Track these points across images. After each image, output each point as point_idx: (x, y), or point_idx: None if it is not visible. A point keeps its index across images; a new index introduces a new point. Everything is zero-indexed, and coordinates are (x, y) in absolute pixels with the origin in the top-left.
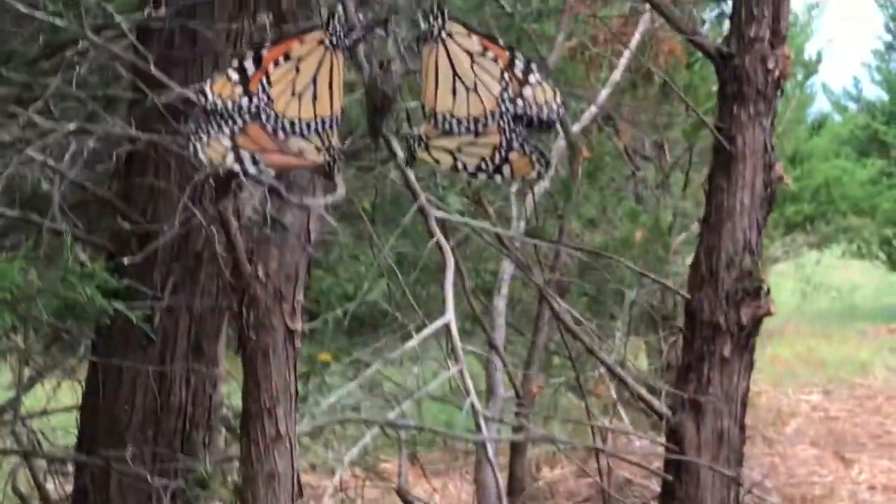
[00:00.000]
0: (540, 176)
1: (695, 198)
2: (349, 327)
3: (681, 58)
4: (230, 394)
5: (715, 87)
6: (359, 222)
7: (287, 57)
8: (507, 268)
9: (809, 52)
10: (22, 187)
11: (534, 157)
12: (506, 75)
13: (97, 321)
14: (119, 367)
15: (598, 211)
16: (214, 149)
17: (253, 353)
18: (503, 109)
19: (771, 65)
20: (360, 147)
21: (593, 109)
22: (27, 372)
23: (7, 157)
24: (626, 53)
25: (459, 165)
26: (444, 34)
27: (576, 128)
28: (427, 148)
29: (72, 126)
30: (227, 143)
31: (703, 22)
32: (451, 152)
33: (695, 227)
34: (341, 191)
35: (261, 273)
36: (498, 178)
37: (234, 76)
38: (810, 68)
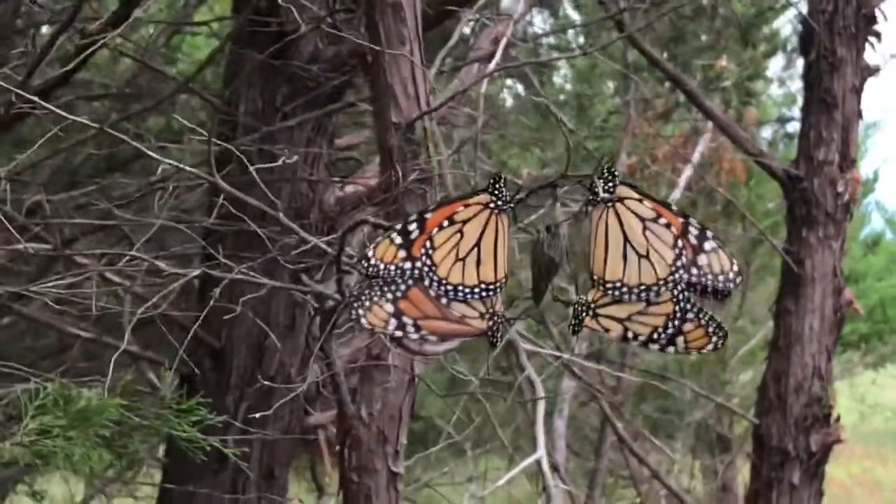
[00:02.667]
0: (716, 348)
1: (750, 315)
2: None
3: (740, 176)
4: None
5: (771, 205)
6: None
7: (451, 220)
8: (568, 387)
9: (865, 171)
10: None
11: (710, 329)
12: (680, 242)
13: (168, 443)
14: (191, 493)
15: None
16: (377, 315)
17: (355, 497)
18: (677, 278)
19: (840, 188)
20: (521, 314)
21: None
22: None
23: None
24: (687, 171)
25: (630, 335)
26: (615, 198)
27: None
28: (595, 315)
29: (196, 272)
30: (389, 308)
31: (766, 141)
32: (620, 321)
33: (752, 345)
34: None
35: (364, 413)
36: (671, 349)
37: (398, 239)
38: (866, 188)
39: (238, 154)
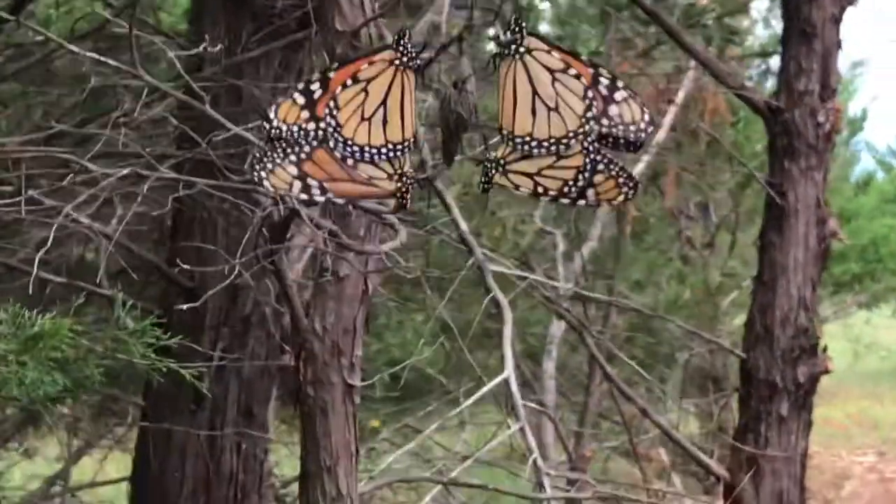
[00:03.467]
0: (627, 198)
1: (742, 257)
2: (398, 393)
3: (726, 116)
4: (277, 462)
5: (759, 146)
6: (405, 286)
7: (356, 79)
8: (556, 330)
9: (854, 111)
10: (68, 253)
11: (620, 180)
12: (590, 93)
13: (145, 386)
14: (168, 434)
15: (644, 273)
16: (280, 177)
17: (311, 410)
18: (587, 129)
19: (821, 118)
20: (435, 173)
21: (639, 169)
22: (76, 443)
23: (52, 220)
24: (671, 111)
25: (540, 190)
26: (522, 49)
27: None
28: (505, 172)
29: (126, 170)
30: (293, 171)
31: (749, 79)
32: (530, 176)
33: (745, 286)
34: (402, 235)
35: (318, 327)
36: (581, 202)
37: (301, 100)
38: (855, 127)
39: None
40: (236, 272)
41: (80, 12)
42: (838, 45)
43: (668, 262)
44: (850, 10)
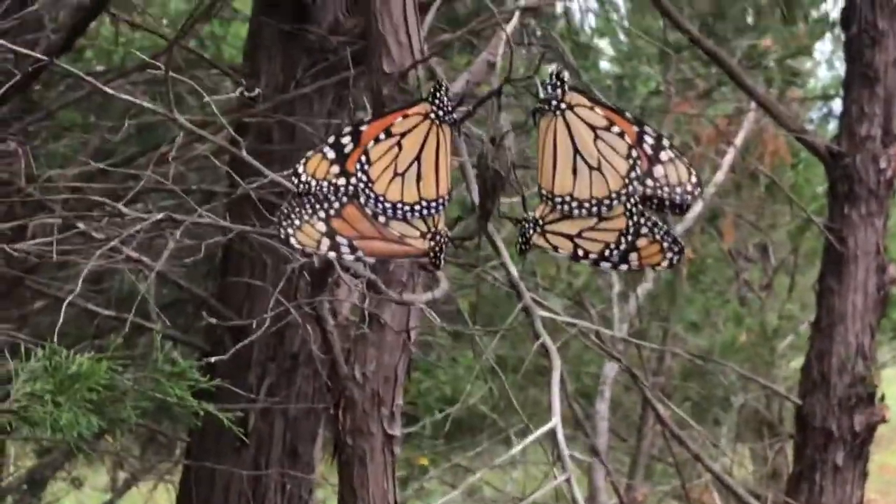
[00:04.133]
0: (672, 265)
1: (800, 301)
2: (448, 431)
3: (786, 158)
4: (325, 500)
5: (820, 189)
6: (458, 322)
7: (389, 133)
8: (609, 371)
9: None
10: (118, 286)
11: (665, 245)
12: (634, 152)
13: (189, 424)
14: (212, 470)
15: (701, 314)
16: (308, 234)
17: (349, 459)
18: (630, 190)
19: (883, 164)
20: (469, 234)
21: (697, 210)
22: (122, 475)
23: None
24: (731, 153)
25: (580, 252)
26: (563, 105)
27: (679, 228)
28: (543, 233)
29: (160, 215)
30: (321, 227)
31: (811, 121)
32: (570, 238)
33: (802, 330)
34: (444, 285)
35: (358, 374)
36: (623, 267)
37: (331, 154)
38: None
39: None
40: (276, 311)
41: (137, 44)
42: None
43: (726, 304)
44: None
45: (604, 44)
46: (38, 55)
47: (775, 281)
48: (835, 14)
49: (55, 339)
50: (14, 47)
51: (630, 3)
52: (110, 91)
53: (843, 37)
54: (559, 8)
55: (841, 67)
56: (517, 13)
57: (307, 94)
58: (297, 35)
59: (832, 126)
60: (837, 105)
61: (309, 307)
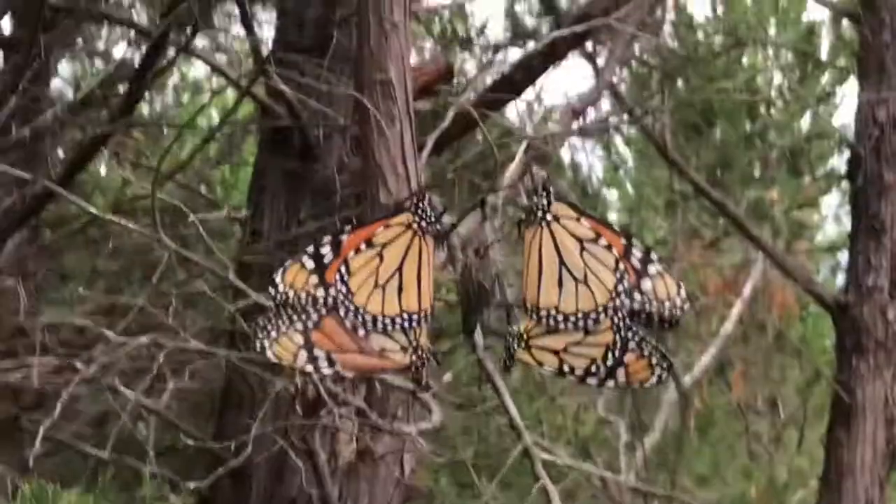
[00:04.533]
0: (660, 381)
1: (810, 455)
2: None
3: (794, 310)
4: None
5: (828, 342)
6: (460, 472)
7: (370, 243)
8: None
9: None
10: (118, 428)
11: (654, 360)
12: (621, 265)
13: None
14: None
15: (709, 467)
16: (285, 347)
17: None
18: (618, 304)
19: (891, 315)
20: (450, 348)
21: (704, 361)
22: None
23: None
24: (738, 304)
25: (566, 368)
26: (549, 216)
27: (687, 379)
28: (528, 347)
29: (145, 339)
30: (299, 340)
31: (818, 274)
32: (556, 353)
33: (812, 485)
34: (437, 416)
35: None
36: (610, 383)
37: (310, 264)
38: None
39: None
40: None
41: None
42: None
43: (735, 458)
44: None
45: (612, 196)
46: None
47: (784, 435)
48: (842, 167)
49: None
50: (15, 171)
51: (637, 154)
52: (117, 219)
53: (848, 190)
54: (566, 158)
55: (847, 222)
56: (520, 154)
57: (311, 232)
58: (301, 175)
59: (840, 279)
60: (845, 257)
61: (300, 440)
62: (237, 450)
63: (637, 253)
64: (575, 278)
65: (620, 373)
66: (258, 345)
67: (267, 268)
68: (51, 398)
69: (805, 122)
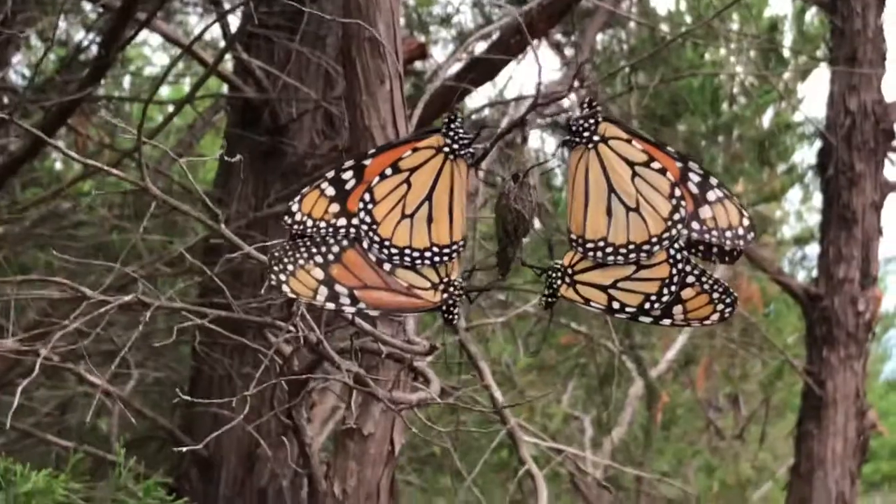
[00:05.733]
0: (723, 318)
1: (772, 451)
2: None
3: (758, 304)
4: None
5: (791, 339)
6: (428, 468)
7: (397, 168)
8: None
9: (886, 307)
10: (82, 418)
11: (716, 295)
12: (677, 191)
13: None
14: None
15: (672, 464)
16: (303, 282)
17: None
18: (674, 234)
19: (861, 306)
20: (487, 285)
21: (670, 355)
22: None
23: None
24: None
25: (616, 305)
26: (597, 137)
27: (653, 373)
28: (573, 283)
29: (129, 297)
30: (318, 274)
31: (786, 266)
32: (604, 289)
33: (777, 478)
34: (435, 386)
35: (338, 491)
36: (666, 322)
37: (330, 190)
38: (887, 323)
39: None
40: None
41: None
42: (879, 232)
43: (697, 453)
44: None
45: None
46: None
47: (747, 431)
48: (808, 160)
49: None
50: None
51: None
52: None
53: (816, 182)
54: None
55: (810, 218)
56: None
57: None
58: (271, 156)
59: (804, 274)
60: (811, 251)
61: (286, 416)
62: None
63: (695, 177)
64: (626, 206)
65: (678, 310)
66: (273, 279)
67: (236, 249)
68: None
69: (769, 116)
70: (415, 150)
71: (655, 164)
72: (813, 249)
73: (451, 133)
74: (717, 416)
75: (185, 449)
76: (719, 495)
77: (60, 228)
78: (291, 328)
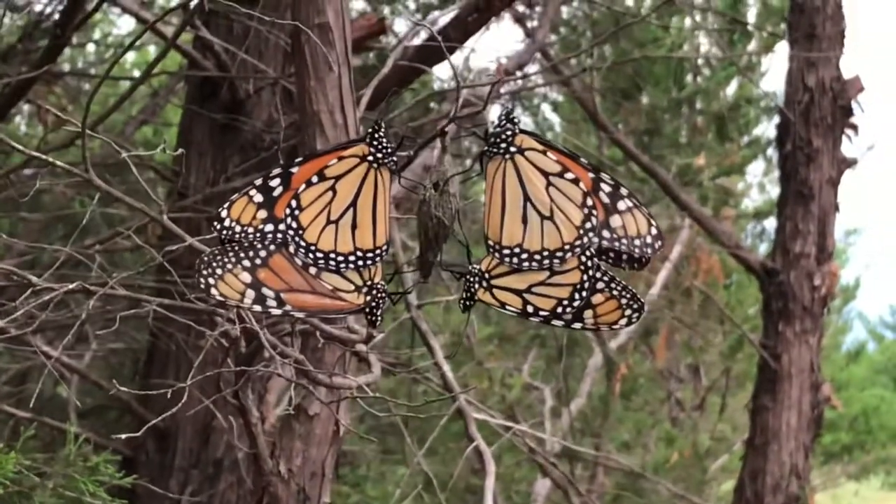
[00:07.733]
0: (630, 322)
1: (732, 422)
2: None
3: (719, 277)
4: None
5: (752, 310)
6: (388, 437)
7: (322, 176)
8: (541, 489)
9: (847, 279)
10: (39, 388)
11: (624, 301)
12: (589, 201)
13: None
14: None
15: (632, 434)
16: (231, 285)
17: None
18: (586, 242)
19: (817, 281)
20: (407, 289)
21: (630, 328)
22: None
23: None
24: (665, 269)
25: (530, 309)
26: (513, 148)
27: (613, 344)
28: (490, 288)
29: (73, 285)
30: (246, 278)
31: (745, 240)
32: (519, 293)
33: (734, 451)
34: (376, 371)
35: (283, 469)
36: (577, 325)
37: (258, 197)
38: (848, 295)
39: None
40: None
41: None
42: (836, 208)
43: (657, 424)
44: (847, 174)
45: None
46: None
47: (707, 402)
48: (769, 134)
49: None
50: None
51: (564, 121)
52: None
53: (776, 156)
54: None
55: (772, 190)
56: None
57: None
58: (229, 131)
59: (765, 246)
60: (770, 224)
61: (232, 397)
62: (163, 411)
63: (606, 187)
64: (540, 214)
65: (588, 314)
66: (202, 283)
67: (194, 224)
68: None
69: (732, 90)
70: (340, 158)
71: (569, 175)
72: (772, 223)
73: (375, 142)
74: (678, 387)
75: (143, 429)
76: (677, 465)
77: (23, 195)
78: (233, 316)
